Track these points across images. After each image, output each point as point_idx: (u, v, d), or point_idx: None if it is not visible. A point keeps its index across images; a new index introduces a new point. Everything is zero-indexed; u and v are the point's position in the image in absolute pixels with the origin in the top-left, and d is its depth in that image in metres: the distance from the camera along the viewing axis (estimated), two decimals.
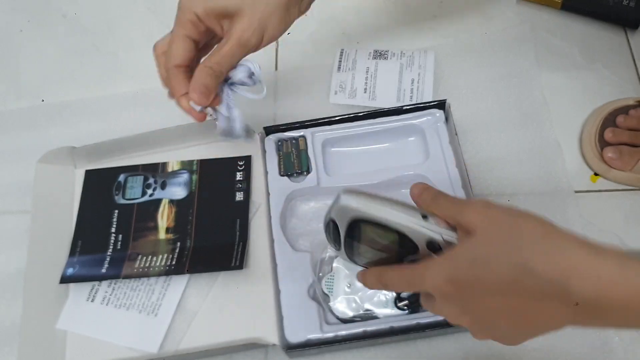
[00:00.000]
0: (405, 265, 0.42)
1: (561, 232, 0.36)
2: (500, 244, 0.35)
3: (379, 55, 0.69)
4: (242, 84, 0.50)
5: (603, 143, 0.62)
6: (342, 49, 0.70)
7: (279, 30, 0.48)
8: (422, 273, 0.38)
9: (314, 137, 0.62)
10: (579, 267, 0.33)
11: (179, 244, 0.59)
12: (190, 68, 0.48)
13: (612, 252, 0.33)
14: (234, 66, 0.48)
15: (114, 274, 0.57)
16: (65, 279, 0.58)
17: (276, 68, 0.72)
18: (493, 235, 0.36)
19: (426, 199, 0.42)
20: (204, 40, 0.49)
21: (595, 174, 0.63)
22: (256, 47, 0.47)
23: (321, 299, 0.54)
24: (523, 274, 0.34)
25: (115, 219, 0.61)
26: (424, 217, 0.41)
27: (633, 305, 0.31)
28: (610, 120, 0.63)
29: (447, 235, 0.40)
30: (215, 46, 0.47)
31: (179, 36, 0.47)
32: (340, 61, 0.69)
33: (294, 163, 0.60)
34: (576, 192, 0.61)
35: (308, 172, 0.60)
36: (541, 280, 0.33)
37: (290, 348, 0.52)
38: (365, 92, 0.67)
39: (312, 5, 0.76)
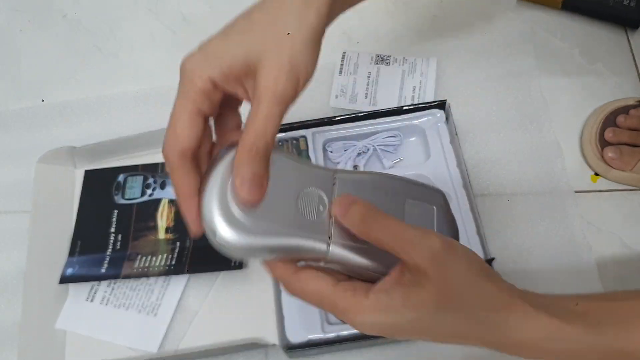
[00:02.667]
0: (324, 280, 0.34)
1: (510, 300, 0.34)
2: (453, 308, 0.32)
3: (381, 60, 0.69)
4: None
5: (603, 143, 0.62)
6: (344, 52, 0.70)
7: (313, 67, 0.36)
8: (350, 313, 0.33)
9: (315, 138, 0.62)
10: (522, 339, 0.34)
11: (178, 243, 0.59)
12: (197, 153, 0.36)
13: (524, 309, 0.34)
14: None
15: (114, 274, 0.57)
16: (64, 279, 0.58)
17: None
18: (448, 297, 0.32)
19: (354, 218, 0.34)
20: (216, 113, 0.37)
21: (596, 174, 0.63)
22: (294, 97, 0.35)
23: None
24: (465, 333, 0.34)
25: (114, 219, 0.61)
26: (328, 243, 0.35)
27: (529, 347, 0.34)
28: (610, 120, 0.63)
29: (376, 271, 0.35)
30: (248, 117, 0.35)
31: (186, 112, 0.34)
32: (342, 65, 0.69)
33: None
34: (576, 192, 0.61)
35: None
36: (479, 337, 0.34)
37: (290, 348, 0.52)
38: (366, 97, 0.67)
39: None
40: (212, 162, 0.36)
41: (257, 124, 0.33)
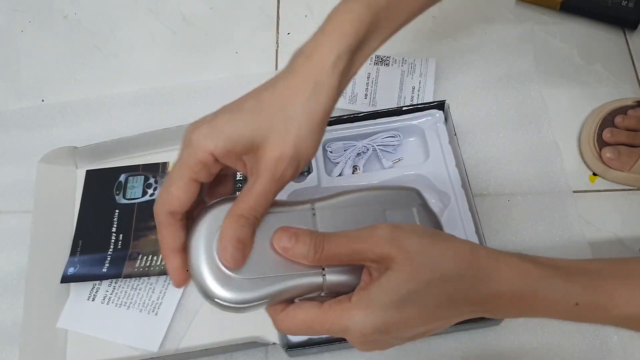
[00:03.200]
0: (309, 306, 0.35)
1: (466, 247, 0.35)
2: (422, 277, 0.33)
3: (381, 61, 0.69)
4: None
5: (601, 143, 0.62)
6: None
7: (315, 150, 0.37)
8: (340, 323, 0.33)
9: None
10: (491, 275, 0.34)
11: None
12: (187, 215, 0.37)
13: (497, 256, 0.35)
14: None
15: (115, 274, 0.58)
16: (66, 279, 0.58)
17: (276, 68, 0.72)
18: (413, 267, 0.33)
19: (305, 254, 0.34)
20: (210, 180, 0.38)
21: (594, 174, 0.63)
22: (292, 178, 0.37)
23: None
24: (446, 300, 0.34)
25: (116, 219, 0.61)
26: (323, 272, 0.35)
27: (506, 296, 0.34)
28: (608, 120, 0.63)
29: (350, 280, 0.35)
30: (244, 187, 0.36)
31: (183, 178, 0.36)
32: None
33: None
34: (575, 192, 0.62)
35: (309, 172, 0.60)
36: (459, 301, 0.34)
37: (290, 347, 0.52)
38: (365, 97, 0.67)
39: (312, 6, 0.77)
40: (200, 215, 0.37)
41: (251, 197, 0.35)
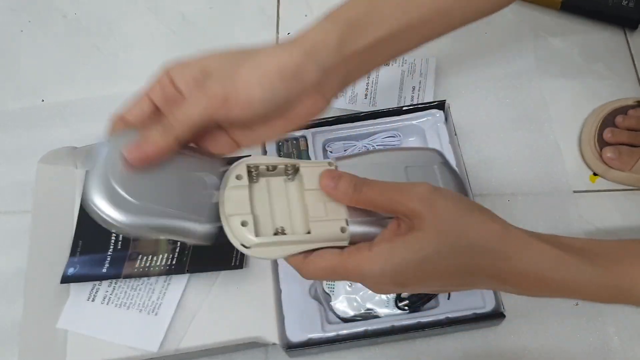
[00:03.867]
0: (330, 253, 0.36)
1: (501, 224, 0.35)
2: (449, 242, 0.34)
3: None
4: None
5: (602, 143, 0.62)
6: None
7: (258, 99, 0.38)
8: (359, 270, 0.34)
9: (315, 138, 0.62)
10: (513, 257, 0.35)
11: (179, 243, 0.59)
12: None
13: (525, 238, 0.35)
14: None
15: (115, 274, 0.57)
16: (66, 279, 0.58)
17: None
18: (441, 231, 0.34)
19: (346, 191, 0.36)
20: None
21: (595, 174, 0.63)
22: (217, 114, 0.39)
23: (322, 299, 0.54)
24: (469, 268, 0.34)
25: None
26: (342, 229, 0.36)
27: (530, 276, 0.35)
28: (609, 120, 0.63)
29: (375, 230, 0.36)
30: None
31: (141, 94, 0.41)
32: None
33: None
34: (575, 192, 0.62)
35: None
36: (481, 271, 0.34)
37: (290, 347, 0.52)
38: (365, 97, 0.67)
39: (312, 5, 0.77)
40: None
41: (179, 112, 0.37)
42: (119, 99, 0.70)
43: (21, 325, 0.55)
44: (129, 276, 0.57)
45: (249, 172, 0.37)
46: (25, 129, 0.70)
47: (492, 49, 0.70)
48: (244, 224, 0.35)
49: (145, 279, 0.58)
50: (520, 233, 0.35)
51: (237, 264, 0.56)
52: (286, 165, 0.38)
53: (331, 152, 0.62)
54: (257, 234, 0.35)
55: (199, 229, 0.36)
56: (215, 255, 0.58)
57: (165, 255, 0.58)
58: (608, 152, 0.61)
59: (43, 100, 0.72)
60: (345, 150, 0.62)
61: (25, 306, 0.55)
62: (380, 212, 0.36)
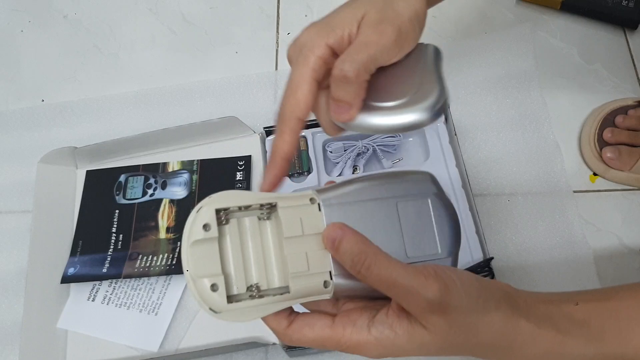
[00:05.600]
0: (320, 324, 0.33)
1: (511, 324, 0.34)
2: (456, 344, 0.33)
3: None
4: None
5: (602, 143, 0.62)
6: None
7: (416, 41, 0.39)
8: (353, 348, 0.32)
9: (315, 138, 0.62)
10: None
11: (179, 243, 0.59)
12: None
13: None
14: None
15: (115, 274, 0.58)
16: (66, 279, 0.58)
17: (276, 68, 0.72)
18: (448, 339, 0.32)
19: (345, 259, 0.32)
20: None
21: (594, 174, 0.63)
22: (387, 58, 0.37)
23: None
24: (470, 357, 0.34)
25: (116, 219, 0.61)
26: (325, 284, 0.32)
27: None
28: (609, 120, 0.63)
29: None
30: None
31: (307, 80, 0.35)
32: None
33: (295, 163, 0.61)
34: (575, 192, 0.62)
35: (309, 172, 0.60)
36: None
37: (290, 347, 0.52)
38: None
39: (312, 6, 0.77)
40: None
41: (356, 54, 0.34)
42: (119, 99, 0.71)
43: (22, 325, 0.55)
44: (129, 276, 0.57)
45: (218, 216, 0.32)
46: (25, 129, 0.70)
47: (492, 49, 0.70)
48: (214, 288, 0.30)
49: (146, 279, 0.58)
50: (527, 325, 0.33)
51: None
52: (261, 205, 0.32)
53: (331, 152, 0.62)
54: (228, 296, 0.31)
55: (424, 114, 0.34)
56: None
57: (166, 255, 0.58)
58: (608, 152, 0.61)
59: (43, 100, 0.73)
60: (345, 150, 0.62)
61: (26, 306, 0.55)
62: (379, 289, 0.32)
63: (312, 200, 0.34)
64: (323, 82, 0.35)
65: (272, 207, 0.33)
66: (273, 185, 0.36)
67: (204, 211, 0.31)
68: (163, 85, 0.72)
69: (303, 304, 0.34)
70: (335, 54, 0.35)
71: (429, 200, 0.36)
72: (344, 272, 0.33)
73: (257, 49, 0.74)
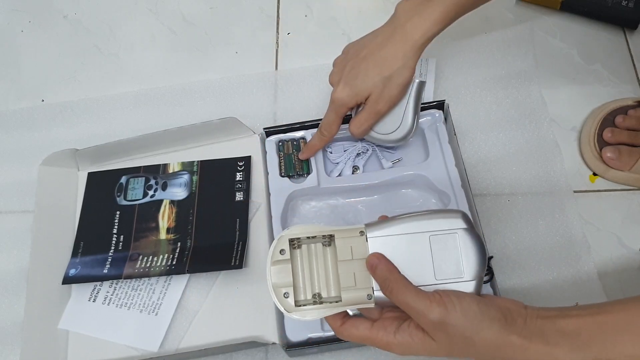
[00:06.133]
0: (363, 326, 0.43)
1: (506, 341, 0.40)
2: (457, 353, 0.41)
3: None
4: None
5: (602, 143, 0.62)
6: None
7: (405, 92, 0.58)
8: (383, 347, 0.42)
9: None
10: None
11: (179, 244, 0.59)
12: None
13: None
14: None
15: (116, 274, 0.58)
16: (67, 280, 0.58)
17: (276, 68, 0.72)
18: (451, 347, 0.40)
19: (379, 280, 0.43)
20: None
21: (594, 174, 0.63)
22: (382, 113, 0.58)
23: None
24: None
25: (117, 220, 0.61)
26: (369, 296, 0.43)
27: None
28: (609, 120, 0.63)
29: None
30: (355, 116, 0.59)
31: (337, 123, 0.58)
32: None
33: (295, 164, 0.61)
34: (575, 192, 0.62)
35: (309, 173, 0.60)
36: None
37: (290, 347, 0.52)
38: None
39: (312, 6, 0.77)
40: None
41: (360, 125, 0.58)
42: (119, 99, 0.71)
43: (23, 325, 0.55)
44: (129, 277, 0.57)
45: (291, 244, 0.44)
46: (25, 129, 0.70)
47: (492, 49, 0.70)
48: (285, 295, 0.43)
49: (146, 279, 0.59)
50: (519, 340, 0.39)
51: (237, 264, 0.56)
52: (323, 236, 0.44)
53: (331, 152, 0.62)
54: (296, 301, 0.43)
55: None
56: (215, 255, 0.58)
57: (166, 256, 0.58)
58: (608, 152, 0.61)
59: (43, 100, 0.73)
60: (344, 151, 0.62)
61: (27, 306, 0.56)
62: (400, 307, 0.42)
63: (361, 232, 0.44)
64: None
65: (331, 237, 0.45)
66: (309, 155, 0.61)
67: (282, 240, 0.44)
68: (163, 85, 0.72)
69: (360, 310, 0.44)
70: (352, 107, 0.57)
71: (457, 234, 0.44)
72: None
73: (257, 49, 0.74)
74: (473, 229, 0.44)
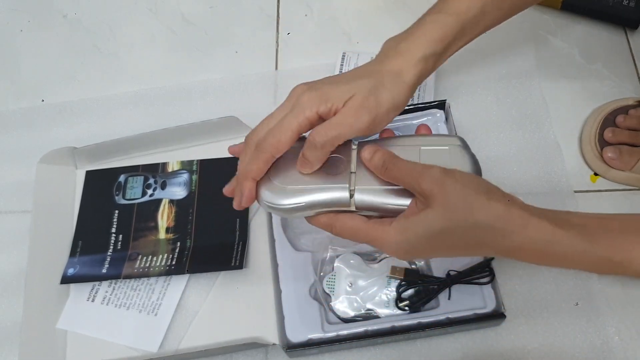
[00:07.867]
0: (360, 225, 0.42)
1: (505, 203, 0.39)
2: (456, 220, 0.38)
3: None
4: None
5: (603, 143, 0.62)
6: (344, 53, 0.70)
7: (367, 125, 0.45)
8: (379, 240, 0.40)
9: None
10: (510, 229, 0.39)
11: (179, 243, 0.59)
12: None
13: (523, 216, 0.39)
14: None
15: (115, 274, 0.58)
16: (66, 279, 0.58)
17: (276, 68, 0.72)
18: (449, 210, 0.38)
19: (377, 164, 0.42)
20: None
21: (595, 174, 0.63)
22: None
23: (322, 299, 0.54)
24: (474, 242, 0.40)
25: (115, 219, 0.61)
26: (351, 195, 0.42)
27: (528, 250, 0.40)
28: (610, 120, 0.63)
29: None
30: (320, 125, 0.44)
31: (290, 130, 0.43)
32: (342, 65, 0.69)
33: None
34: (576, 192, 0.61)
35: None
36: (485, 245, 0.40)
37: (290, 347, 0.52)
38: None
39: (312, 6, 0.77)
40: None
41: (328, 130, 0.42)
42: (119, 99, 0.71)
43: (21, 325, 0.55)
44: (128, 276, 0.57)
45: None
46: (25, 129, 0.70)
47: (492, 49, 0.70)
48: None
49: (145, 279, 0.58)
50: (521, 212, 0.38)
51: (237, 264, 0.56)
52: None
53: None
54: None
55: (341, 195, 0.43)
56: (215, 255, 0.58)
57: (165, 256, 0.58)
58: (609, 152, 0.61)
59: (43, 100, 0.73)
60: None
61: (25, 306, 0.55)
62: (403, 185, 0.41)
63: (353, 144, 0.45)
64: (303, 133, 0.44)
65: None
66: (245, 204, 0.44)
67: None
68: (163, 85, 0.72)
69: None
70: (321, 118, 0.43)
71: (448, 148, 0.43)
72: (364, 188, 0.43)
73: (257, 49, 0.74)
74: (468, 149, 0.43)
